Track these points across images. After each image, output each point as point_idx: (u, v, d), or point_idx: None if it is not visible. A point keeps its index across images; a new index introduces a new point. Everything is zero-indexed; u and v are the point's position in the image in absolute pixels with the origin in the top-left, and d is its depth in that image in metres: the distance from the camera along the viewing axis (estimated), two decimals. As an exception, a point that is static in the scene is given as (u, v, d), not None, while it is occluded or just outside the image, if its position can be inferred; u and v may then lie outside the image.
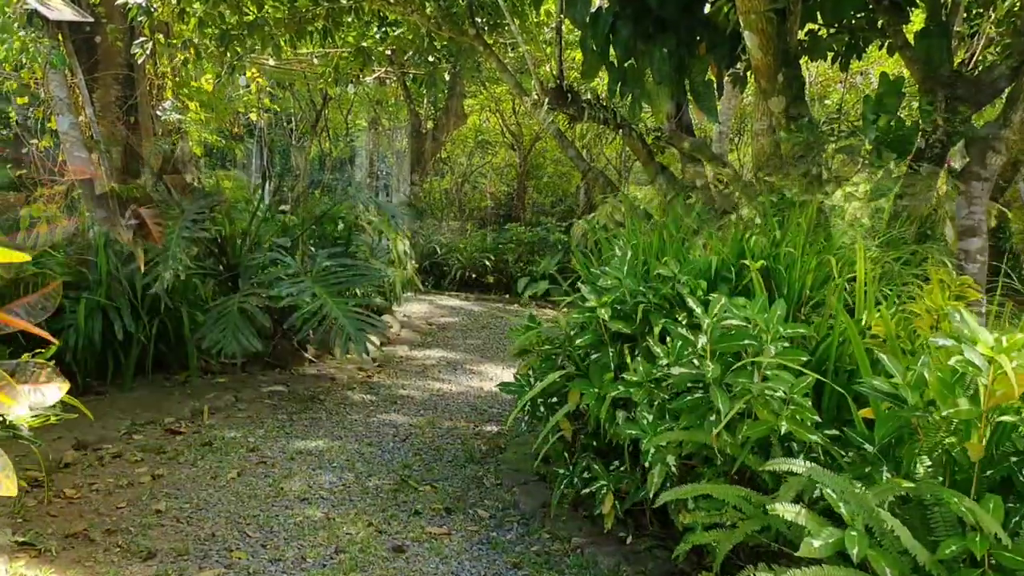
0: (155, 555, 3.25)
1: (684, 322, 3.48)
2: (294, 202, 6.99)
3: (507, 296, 10.39)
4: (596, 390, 3.46)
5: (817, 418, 2.67)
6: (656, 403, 3.23)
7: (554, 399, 3.90)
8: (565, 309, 9.63)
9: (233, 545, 3.39)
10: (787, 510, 2.16)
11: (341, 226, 7.43)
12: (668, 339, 3.45)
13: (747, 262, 3.60)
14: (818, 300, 3.57)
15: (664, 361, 3.30)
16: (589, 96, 6.89)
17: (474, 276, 10.60)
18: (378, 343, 6.39)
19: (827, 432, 2.68)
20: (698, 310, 2.94)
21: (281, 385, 5.80)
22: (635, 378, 3.29)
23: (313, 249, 6.34)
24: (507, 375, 6.59)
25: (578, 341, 3.53)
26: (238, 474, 4.22)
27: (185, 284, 5.74)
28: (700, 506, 2.89)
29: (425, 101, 10.39)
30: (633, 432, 3.15)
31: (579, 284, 4.01)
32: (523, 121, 14.31)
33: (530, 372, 4.25)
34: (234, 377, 5.86)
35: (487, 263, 10.44)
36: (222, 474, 4.21)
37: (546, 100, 6.37)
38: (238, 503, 3.87)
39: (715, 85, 5.73)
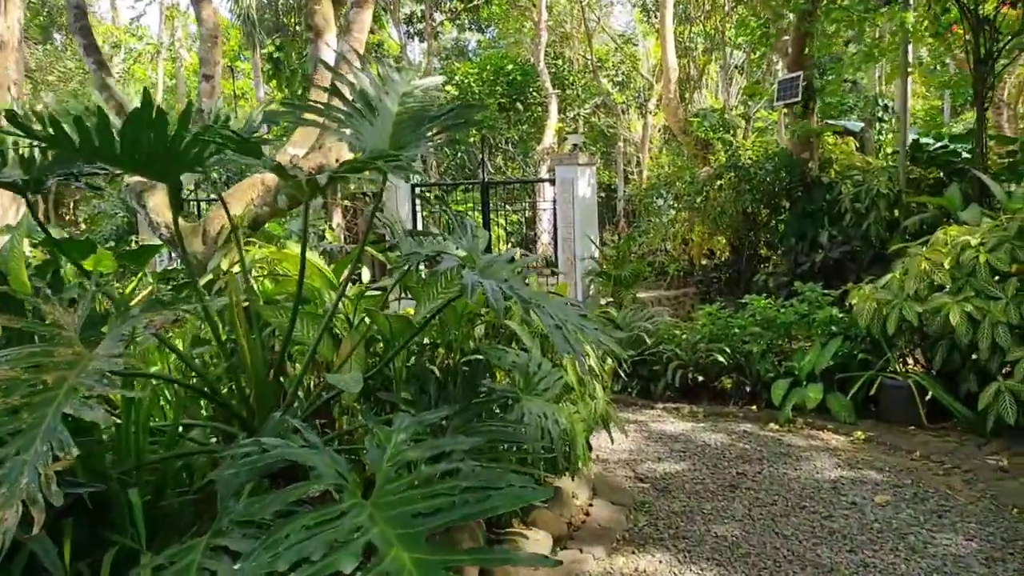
0: None
1: None
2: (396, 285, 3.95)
3: (753, 408, 6.78)
4: None
5: None
6: None
7: None
8: (858, 436, 5.79)
9: None
10: None
11: (480, 331, 4.30)
12: None
13: None
14: None
15: None
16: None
17: (700, 378, 7.08)
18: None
19: None
20: None
21: None
22: None
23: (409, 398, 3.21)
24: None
25: None
26: None
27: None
28: None
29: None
30: None
31: None
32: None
33: None
34: None
35: (720, 358, 6.91)
36: None
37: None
38: None
39: None
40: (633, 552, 4.01)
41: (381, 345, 4.17)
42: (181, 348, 3.96)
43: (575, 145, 10.34)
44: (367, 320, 3.89)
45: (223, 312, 3.49)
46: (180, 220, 4.66)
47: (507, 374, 3.93)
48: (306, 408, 3.21)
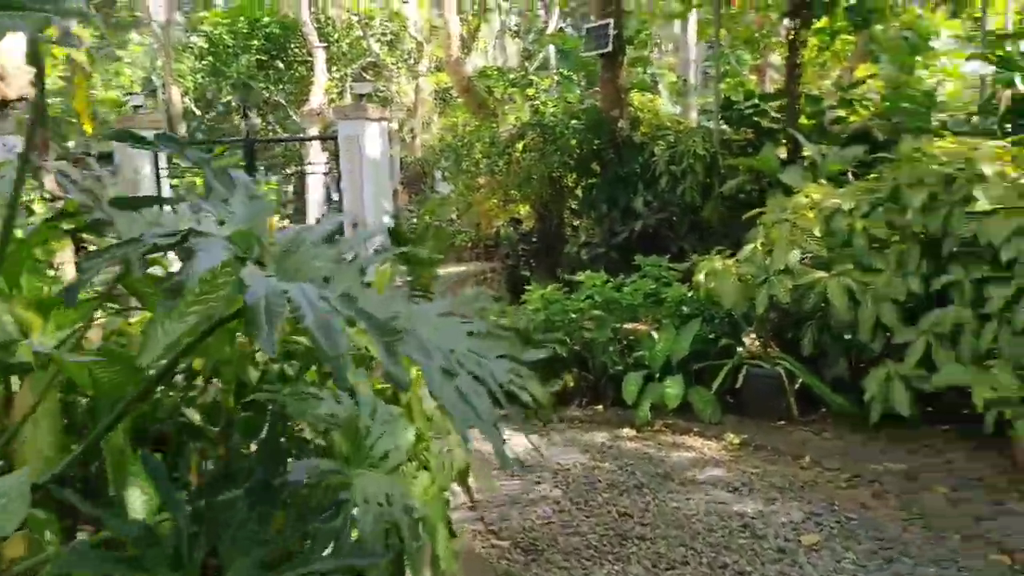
0: None
1: None
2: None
3: (599, 407, 5.68)
4: None
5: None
6: None
7: None
8: (731, 440, 4.77)
9: None
10: None
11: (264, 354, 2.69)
12: None
13: None
14: None
15: None
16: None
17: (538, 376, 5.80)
18: None
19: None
20: None
21: None
22: None
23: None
24: None
25: None
26: None
27: None
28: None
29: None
30: None
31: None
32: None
33: None
34: None
35: (559, 350, 5.70)
36: None
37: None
38: None
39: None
40: None
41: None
42: None
43: (361, 95, 8.67)
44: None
45: None
46: None
47: (321, 434, 2.37)
48: None
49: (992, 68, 6.07)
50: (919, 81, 9.69)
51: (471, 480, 3.21)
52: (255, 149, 8.96)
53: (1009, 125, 6.43)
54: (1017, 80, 5.75)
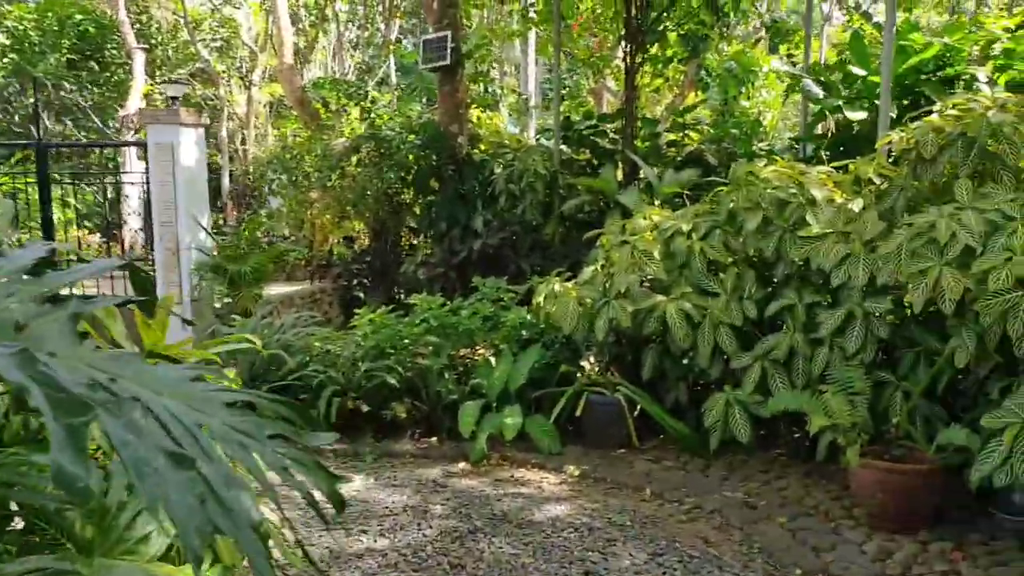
0: None
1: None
2: None
3: (433, 440, 5.30)
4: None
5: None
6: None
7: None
8: (571, 473, 4.53)
9: None
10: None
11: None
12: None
13: None
14: None
15: None
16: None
17: (366, 408, 5.37)
18: None
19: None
20: None
21: None
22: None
23: None
24: None
25: None
26: None
27: None
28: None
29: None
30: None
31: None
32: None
33: None
34: None
35: (390, 379, 5.27)
36: None
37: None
38: None
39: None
40: None
41: None
42: None
43: (174, 98, 7.90)
44: None
45: None
46: None
47: (54, 514, 1.85)
48: None
49: (822, 92, 6.23)
50: (745, 111, 10.07)
51: (273, 547, 2.74)
52: (47, 154, 7.94)
53: (829, 151, 6.67)
54: (842, 106, 5.93)
